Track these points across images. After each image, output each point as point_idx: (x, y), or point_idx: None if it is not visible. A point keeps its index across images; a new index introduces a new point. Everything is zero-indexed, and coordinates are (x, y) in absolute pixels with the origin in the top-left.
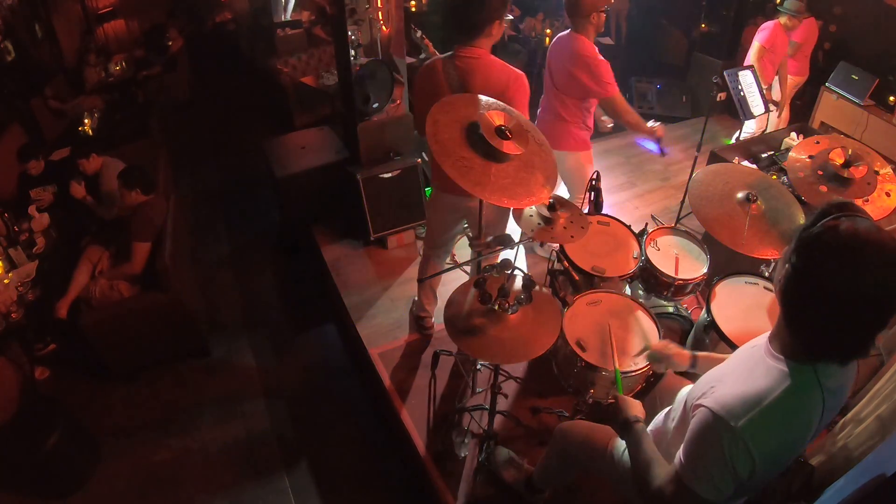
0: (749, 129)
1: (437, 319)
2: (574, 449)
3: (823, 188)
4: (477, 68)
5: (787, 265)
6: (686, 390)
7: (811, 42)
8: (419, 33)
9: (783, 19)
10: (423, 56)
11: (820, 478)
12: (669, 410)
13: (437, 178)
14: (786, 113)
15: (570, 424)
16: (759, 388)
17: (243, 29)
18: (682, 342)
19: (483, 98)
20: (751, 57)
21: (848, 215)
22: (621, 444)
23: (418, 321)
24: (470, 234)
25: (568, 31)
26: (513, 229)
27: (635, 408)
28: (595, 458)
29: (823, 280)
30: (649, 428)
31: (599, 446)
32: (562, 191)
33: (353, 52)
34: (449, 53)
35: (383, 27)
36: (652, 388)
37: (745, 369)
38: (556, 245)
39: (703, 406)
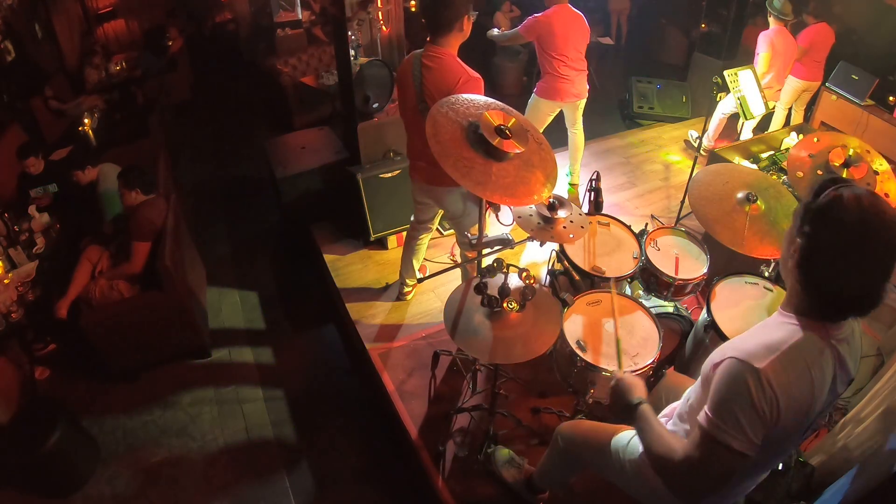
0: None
1: (437, 320)
2: (575, 448)
3: None
4: (435, 68)
5: (798, 239)
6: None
7: (821, 48)
8: None
9: (771, 21)
10: None
11: (820, 478)
12: (688, 392)
13: (411, 170)
14: (781, 116)
15: (571, 424)
16: (776, 338)
17: (243, 29)
18: (682, 342)
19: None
20: (760, 65)
21: (845, 185)
22: (623, 441)
23: (399, 287)
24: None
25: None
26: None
27: (637, 388)
28: (597, 456)
29: (838, 240)
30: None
31: (601, 445)
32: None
33: (353, 52)
34: (421, 50)
35: (383, 27)
36: (652, 389)
37: (761, 329)
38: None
39: (728, 357)
